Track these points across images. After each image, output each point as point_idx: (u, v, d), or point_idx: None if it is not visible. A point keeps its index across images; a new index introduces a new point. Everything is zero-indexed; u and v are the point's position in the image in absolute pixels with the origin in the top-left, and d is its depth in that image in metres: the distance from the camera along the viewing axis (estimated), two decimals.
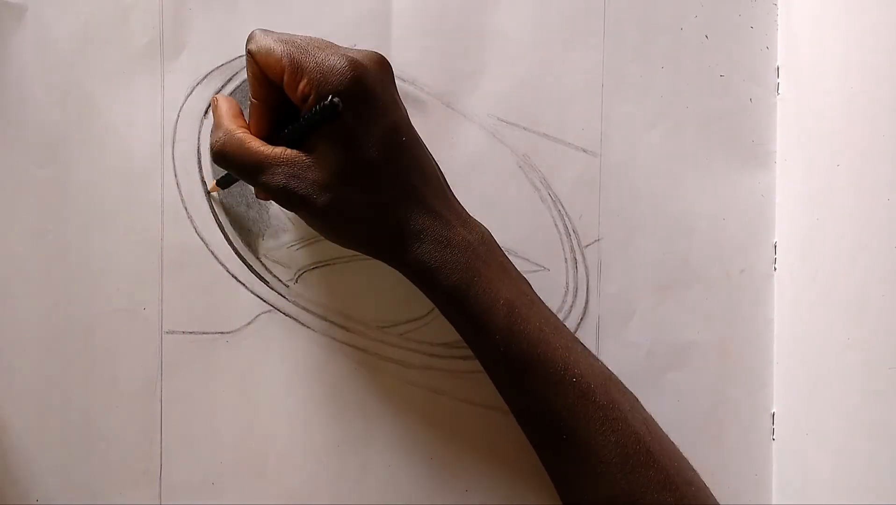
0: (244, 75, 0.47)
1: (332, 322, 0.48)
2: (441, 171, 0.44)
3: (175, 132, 0.47)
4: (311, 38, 0.41)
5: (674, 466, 0.41)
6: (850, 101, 0.44)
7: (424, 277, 0.42)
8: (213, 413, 0.47)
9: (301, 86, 0.39)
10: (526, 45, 0.48)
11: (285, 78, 0.40)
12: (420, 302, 0.48)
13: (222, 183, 0.47)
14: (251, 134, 0.42)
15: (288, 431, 0.48)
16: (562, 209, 0.48)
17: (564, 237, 0.48)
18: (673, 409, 0.48)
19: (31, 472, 0.47)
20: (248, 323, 0.48)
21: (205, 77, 0.47)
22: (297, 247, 0.48)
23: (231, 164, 0.41)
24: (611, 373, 0.43)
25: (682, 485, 0.41)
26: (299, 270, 0.48)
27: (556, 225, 0.48)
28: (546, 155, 0.48)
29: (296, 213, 0.42)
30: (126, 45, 0.47)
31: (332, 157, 0.40)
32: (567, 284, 0.48)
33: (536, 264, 0.48)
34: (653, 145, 0.49)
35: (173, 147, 0.47)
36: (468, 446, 0.48)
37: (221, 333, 0.48)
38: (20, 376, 0.47)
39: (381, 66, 0.41)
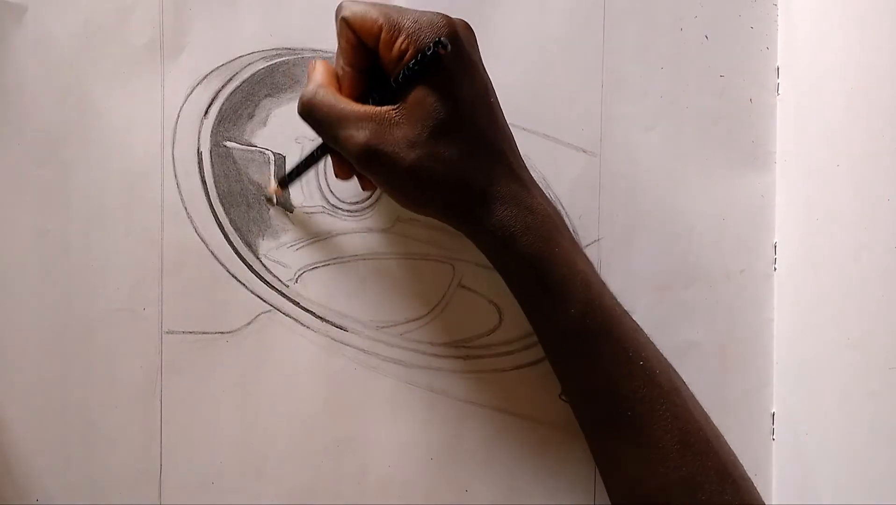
0: (244, 75, 0.47)
1: (331, 322, 0.48)
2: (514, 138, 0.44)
3: (175, 132, 0.47)
4: (398, 5, 0.41)
5: (730, 460, 0.41)
6: (850, 101, 0.44)
7: (506, 243, 0.41)
8: (213, 413, 0.47)
9: (399, 42, 0.39)
10: (526, 45, 0.48)
11: (382, 36, 0.40)
12: (420, 302, 0.48)
13: (283, 182, 0.46)
14: (341, 93, 0.42)
15: (288, 431, 0.48)
16: (562, 209, 0.48)
17: None
18: None
19: (31, 472, 0.47)
20: (248, 323, 0.48)
21: (205, 77, 0.47)
22: (297, 247, 0.48)
23: (316, 117, 0.41)
24: (669, 362, 0.43)
25: (738, 479, 0.41)
26: (299, 270, 0.48)
27: None
28: (546, 155, 0.48)
29: (376, 175, 0.41)
30: (126, 45, 0.47)
31: (425, 111, 0.39)
32: None
33: None
34: (653, 145, 0.49)
35: (173, 147, 0.47)
36: (468, 446, 0.48)
37: (221, 333, 0.48)
38: (20, 376, 0.47)
39: (470, 30, 0.42)
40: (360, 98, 0.42)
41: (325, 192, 0.48)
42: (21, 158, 0.47)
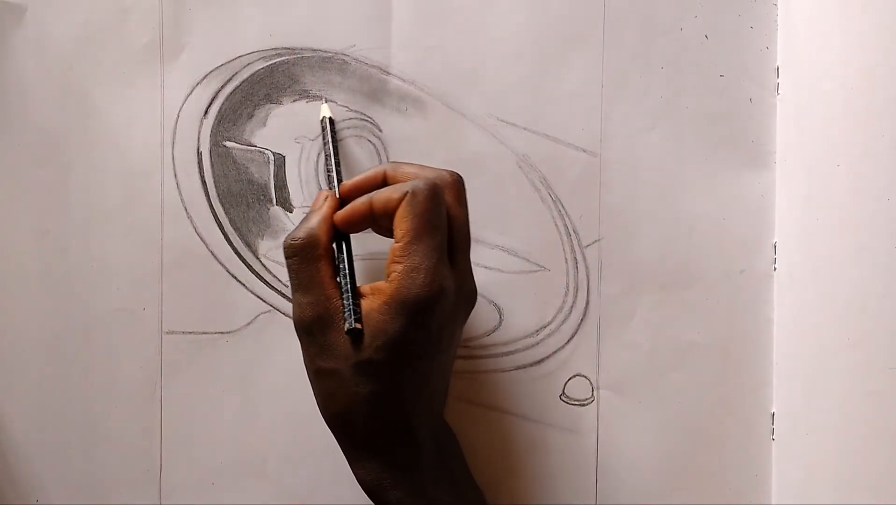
0: (244, 75, 0.47)
1: None
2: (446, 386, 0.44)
3: (175, 132, 0.47)
4: (442, 231, 0.40)
5: None
6: (850, 101, 0.44)
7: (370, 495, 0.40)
8: (213, 413, 0.47)
9: (396, 267, 0.39)
10: (526, 45, 0.48)
11: (396, 245, 0.39)
12: None
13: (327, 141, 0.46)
14: (329, 257, 0.41)
15: (288, 431, 0.48)
16: (562, 209, 0.48)
17: (564, 237, 0.48)
18: (673, 409, 0.48)
19: (31, 472, 0.47)
20: (248, 323, 0.48)
21: (205, 77, 0.47)
22: None
23: (291, 263, 0.40)
24: None
25: None
26: None
27: (556, 225, 0.48)
28: (546, 155, 0.48)
29: (301, 344, 0.41)
30: (126, 45, 0.47)
31: (353, 347, 0.39)
32: (567, 284, 0.48)
33: (536, 264, 0.48)
34: (653, 145, 0.49)
35: (173, 147, 0.47)
36: (469, 447, 0.48)
37: (221, 333, 0.48)
38: (20, 376, 0.47)
39: (466, 300, 0.41)
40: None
41: None
42: (21, 158, 0.47)
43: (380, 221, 0.41)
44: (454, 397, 0.48)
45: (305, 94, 0.48)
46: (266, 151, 0.48)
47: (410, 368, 0.39)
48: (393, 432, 0.40)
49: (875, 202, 0.43)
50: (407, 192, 0.39)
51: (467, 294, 0.42)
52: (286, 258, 0.41)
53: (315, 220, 0.41)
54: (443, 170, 0.42)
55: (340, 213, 0.41)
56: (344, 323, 0.39)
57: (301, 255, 0.40)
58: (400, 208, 0.39)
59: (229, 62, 0.47)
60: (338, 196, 0.43)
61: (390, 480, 0.40)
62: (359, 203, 0.41)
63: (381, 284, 0.40)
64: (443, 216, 0.40)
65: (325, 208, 0.42)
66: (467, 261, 0.42)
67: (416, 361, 0.39)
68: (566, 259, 0.48)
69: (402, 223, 0.39)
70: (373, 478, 0.40)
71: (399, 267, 0.39)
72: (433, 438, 0.42)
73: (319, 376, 0.40)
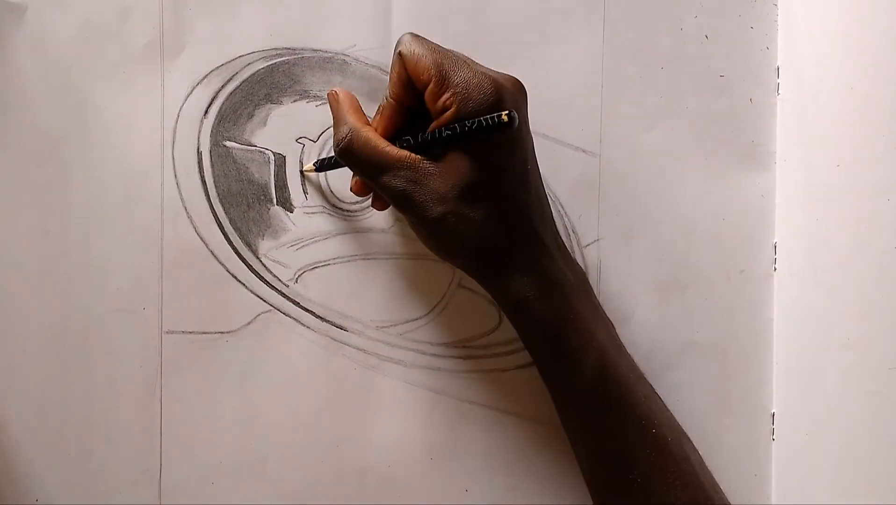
0: (244, 75, 0.47)
1: (331, 322, 0.48)
2: (549, 201, 0.44)
3: (175, 132, 0.47)
4: (458, 53, 0.41)
5: None
6: (850, 101, 0.44)
7: (520, 309, 0.42)
8: (213, 413, 0.47)
9: (444, 98, 0.40)
10: (525, 45, 0.48)
11: (430, 87, 0.40)
12: (420, 302, 0.48)
13: (320, 166, 0.47)
14: (375, 132, 0.42)
15: (288, 431, 0.48)
16: (561, 209, 0.48)
17: (564, 237, 0.48)
18: (673, 409, 0.48)
19: (31, 472, 0.47)
20: (248, 323, 0.48)
21: (205, 77, 0.47)
22: (297, 247, 0.48)
23: (355, 161, 0.42)
24: (682, 428, 0.44)
25: None
26: (299, 270, 0.48)
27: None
28: (545, 155, 0.48)
29: (406, 217, 0.42)
30: (126, 45, 0.47)
31: (458, 172, 0.40)
32: None
33: None
34: (652, 145, 0.49)
35: (173, 147, 0.47)
36: (468, 446, 0.48)
37: (221, 333, 0.48)
38: (20, 376, 0.47)
39: (520, 91, 0.42)
40: (399, 132, 0.42)
41: (325, 193, 0.48)
42: (21, 158, 0.47)
43: (408, 92, 0.41)
44: (454, 397, 0.48)
45: (306, 95, 0.48)
46: (266, 151, 0.48)
47: (507, 171, 0.40)
48: (522, 240, 0.41)
49: (875, 202, 0.43)
50: (398, 50, 0.41)
51: (513, 84, 0.42)
52: (347, 163, 0.42)
53: (343, 115, 0.42)
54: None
55: (379, 128, 0.42)
56: (489, 121, 0.39)
57: (356, 147, 0.41)
58: (406, 61, 0.40)
59: (229, 62, 0.47)
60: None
61: (537, 291, 0.41)
62: (383, 106, 0.42)
63: (441, 118, 0.40)
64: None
65: (344, 101, 0.43)
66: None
67: (507, 161, 0.40)
68: None
69: (418, 67, 0.40)
70: (520, 289, 0.41)
71: (447, 93, 0.40)
72: (556, 243, 0.43)
73: (438, 224, 0.41)
